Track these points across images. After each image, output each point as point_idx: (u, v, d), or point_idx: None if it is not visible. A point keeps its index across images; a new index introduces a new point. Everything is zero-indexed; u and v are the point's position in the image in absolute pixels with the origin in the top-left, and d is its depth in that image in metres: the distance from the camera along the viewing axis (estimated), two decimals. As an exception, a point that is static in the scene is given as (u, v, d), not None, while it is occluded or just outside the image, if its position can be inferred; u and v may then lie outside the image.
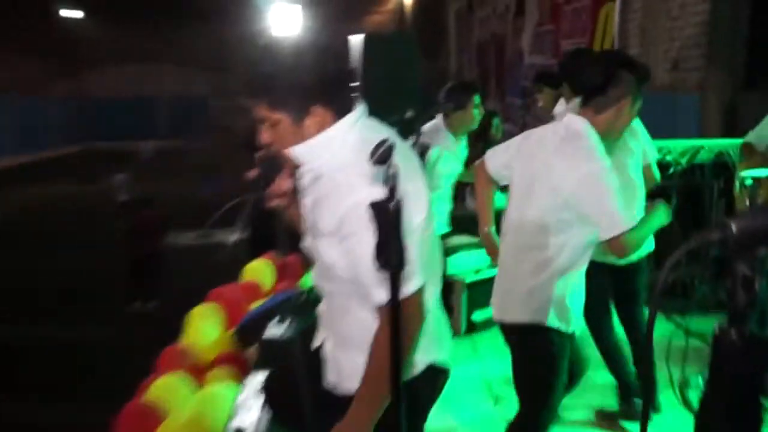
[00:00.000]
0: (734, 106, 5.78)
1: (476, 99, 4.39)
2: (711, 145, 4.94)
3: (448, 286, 4.80)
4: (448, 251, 4.79)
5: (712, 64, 5.84)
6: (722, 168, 4.91)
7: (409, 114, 3.35)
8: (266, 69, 1.94)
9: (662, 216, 2.65)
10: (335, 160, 1.92)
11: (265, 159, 2.10)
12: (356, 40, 6.09)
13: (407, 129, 3.26)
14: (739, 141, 4.23)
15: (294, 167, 2.02)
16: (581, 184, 2.49)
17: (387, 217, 1.65)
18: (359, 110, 1.99)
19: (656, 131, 3.64)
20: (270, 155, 2.04)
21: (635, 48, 6.74)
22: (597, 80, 2.63)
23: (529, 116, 8.37)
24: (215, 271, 4.68)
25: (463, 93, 4.39)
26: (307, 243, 2.06)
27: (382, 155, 1.66)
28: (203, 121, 20.27)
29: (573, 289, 2.64)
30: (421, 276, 1.88)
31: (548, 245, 2.59)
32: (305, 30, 9.43)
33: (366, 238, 1.76)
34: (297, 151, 1.94)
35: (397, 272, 1.69)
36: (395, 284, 1.70)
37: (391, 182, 1.65)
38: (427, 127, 4.38)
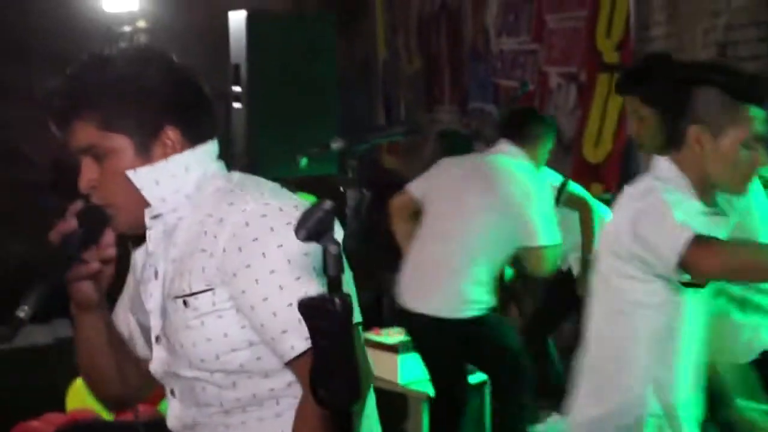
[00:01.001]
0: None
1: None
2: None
3: (400, 404, 4.77)
4: (396, 350, 4.79)
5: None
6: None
7: (336, 144, 3.33)
8: (97, 64, 2.10)
9: None
10: (201, 196, 2.13)
11: (88, 211, 2.13)
12: (236, 21, 6.08)
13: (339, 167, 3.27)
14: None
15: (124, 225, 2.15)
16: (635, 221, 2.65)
17: (330, 326, 1.65)
18: (214, 146, 2.22)
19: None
20: (95, 205, 2.12)
21: (661, 26, 6.89)
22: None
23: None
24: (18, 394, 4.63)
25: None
26: (160, 352, 2.19)
27: (317, 226, 1.65)
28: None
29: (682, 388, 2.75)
30: None
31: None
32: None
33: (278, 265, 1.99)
34: (142, 177, 2.08)
35: (348, 411, 1.69)
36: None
37: (334, 270, 1.65)
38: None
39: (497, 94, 9.28)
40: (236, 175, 2.19)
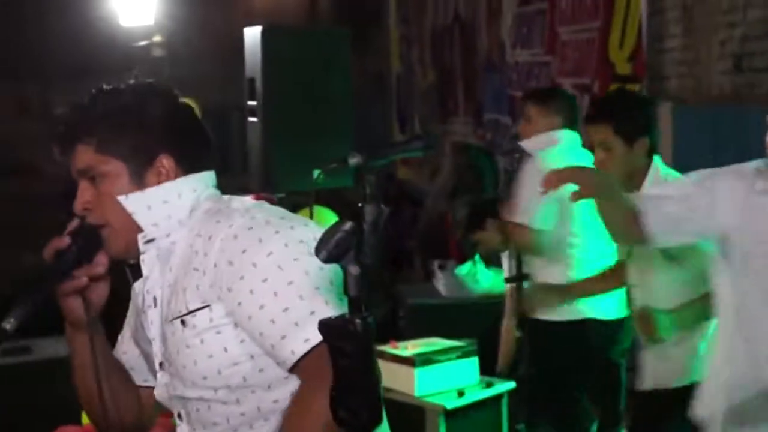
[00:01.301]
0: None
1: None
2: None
3: (417, 417, 4.75)
4: (412, 363, 4.75)
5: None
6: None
7: (354, 160, 3.28)
8: (103, 95, 2.20)
9: None
10: (192, 220, 2.16)
11: (83, 230, 2.18)
12: (251, 36, 6.09)
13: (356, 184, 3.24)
14: None
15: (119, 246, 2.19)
16: None
17: (351, 346, 1.64)
18: (211, 176, 2.27)
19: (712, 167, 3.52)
20: (90, 225, 2.18)
21: (676, 38, 6.86)
22: None
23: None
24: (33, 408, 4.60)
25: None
26: (164, 377, 2.22)
27: (337, 247, 1.63)
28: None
29: None
30: None
31: None
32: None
33: (274, 279, 2.02)
34: (133, 203, 2.14)
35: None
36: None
37: (354, 290, 1.63)
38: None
39: (512, 106, 9.26)
40: (225, 197, 2.25)
